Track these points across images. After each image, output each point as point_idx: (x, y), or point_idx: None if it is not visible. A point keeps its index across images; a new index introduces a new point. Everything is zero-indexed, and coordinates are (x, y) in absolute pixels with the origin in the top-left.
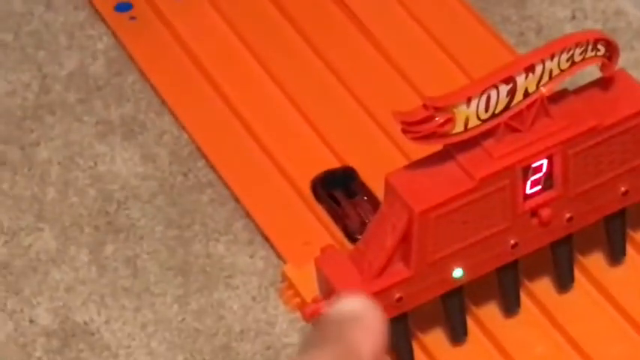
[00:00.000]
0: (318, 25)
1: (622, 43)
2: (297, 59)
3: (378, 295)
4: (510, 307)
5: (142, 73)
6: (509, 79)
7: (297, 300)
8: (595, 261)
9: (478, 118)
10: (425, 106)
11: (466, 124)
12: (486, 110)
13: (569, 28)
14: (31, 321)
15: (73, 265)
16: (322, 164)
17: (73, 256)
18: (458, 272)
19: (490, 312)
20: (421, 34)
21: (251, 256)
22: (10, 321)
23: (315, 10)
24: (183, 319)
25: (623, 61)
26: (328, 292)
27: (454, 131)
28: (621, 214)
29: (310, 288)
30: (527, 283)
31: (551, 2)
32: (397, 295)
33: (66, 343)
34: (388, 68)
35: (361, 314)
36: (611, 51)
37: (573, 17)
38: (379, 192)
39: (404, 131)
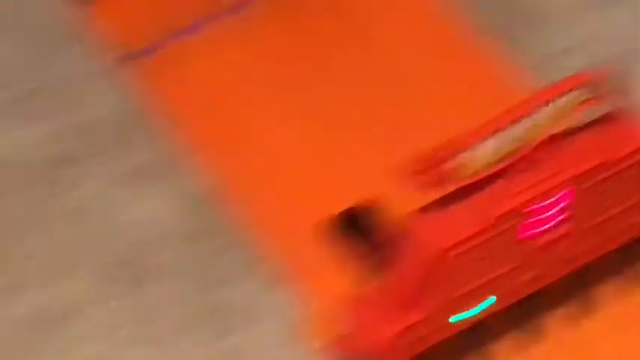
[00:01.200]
0: (325, 64)
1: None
2: (314, 96)
3: (400, 335)
4: (529, 338)
5: (161, 119)
6: (517, 122)
7: (324, 339)
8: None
9: (489, 160)
10: (433, 154)
11: (475, 169)
12: (496, 152)
13: (575, 57)
14: None
15: (104, 312)
16: (343, 202)
17: (103, 303)
18: (477, 308)
19: (510, 344)
20: (430, 70)
21: (276, 298)
22: None
23: (319, 50)
24: None
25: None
26: (354, 332)
27: (465, 174)
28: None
29: (336, 327)
30: (546, 313)
31: (560, 28)
32: (420, 334)
33: None
34: (404, 106)
35: None
36: (613, 89)
37: (580, 46)
38: (400, 229)
39: (413, 180)
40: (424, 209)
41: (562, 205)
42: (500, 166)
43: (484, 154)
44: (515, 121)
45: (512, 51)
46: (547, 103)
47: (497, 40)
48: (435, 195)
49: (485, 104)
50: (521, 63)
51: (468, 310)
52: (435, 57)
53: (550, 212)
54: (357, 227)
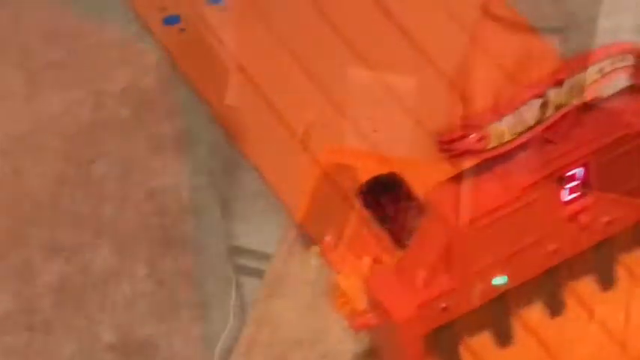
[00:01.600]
0: (362, 33)
1: None
2: (345, 71)
3: (424, 307)
4: (554, 310)
5: (192, 86)
6: (541, 94)
7: (350, 308)
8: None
9: (512, 132)
10: (459, 126)
11: (501, 139)
12: (520, 125)
13: (605, 23)
14: (94, 337)
15: (132, 279)
16: (372, 171)
17: (132, 271)
18: (501, 280)
19: (534, 315)
20: (465, 38)
21: (304, 266)
22: (75, 338)
23: (359, 18)
24: (241, 330)
25: None
26: (376, 304)
27: (489, 146)
28: None
29: (361, 296)
30: (572, 282)
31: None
32: (442, 305)
33: (129, 357)
34: (433, 74)
35: None
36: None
37: (610, 11)
38: (425, 200)
39: (441, 150)
40: (447, 182)
41: (585, 176)
42: (526, 137)
43: (510, 125)
44: (540, 93)
45: (540, 19)
46: (572, 75)
47: (524, 10)
48: (462, 166)
49: (512, 75)
50: (550, 32)
51: (490, 282)
52: (461, 28)
53: (573, 184)
54: (383, 197)
